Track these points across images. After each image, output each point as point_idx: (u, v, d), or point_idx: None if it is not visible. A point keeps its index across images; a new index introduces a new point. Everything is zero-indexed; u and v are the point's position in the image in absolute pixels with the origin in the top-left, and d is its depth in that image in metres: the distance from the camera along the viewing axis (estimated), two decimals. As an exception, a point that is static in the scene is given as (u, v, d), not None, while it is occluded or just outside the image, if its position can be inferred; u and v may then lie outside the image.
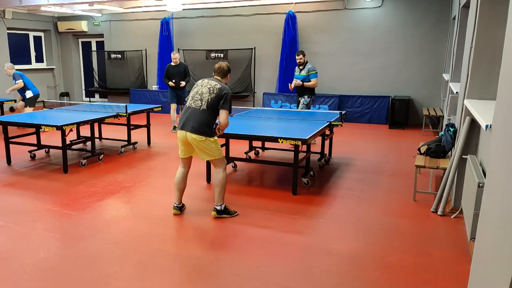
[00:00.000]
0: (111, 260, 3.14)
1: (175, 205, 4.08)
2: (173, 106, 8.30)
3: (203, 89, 3.86)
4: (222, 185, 3.94)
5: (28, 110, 8.13)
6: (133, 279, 2.87)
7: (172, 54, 8.26)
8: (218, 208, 3.96)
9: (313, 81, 6.72)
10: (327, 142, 5.97)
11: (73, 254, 3.23)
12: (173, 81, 8.12)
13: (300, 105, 6.90)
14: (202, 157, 3.91)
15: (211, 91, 3.82)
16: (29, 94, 8.18)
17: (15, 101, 8.73)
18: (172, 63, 8.27)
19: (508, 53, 2.02)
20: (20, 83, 7.96)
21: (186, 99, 4.12)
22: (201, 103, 3.81)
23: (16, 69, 8.18)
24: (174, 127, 8.34)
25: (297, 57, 6.87)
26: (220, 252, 3.28)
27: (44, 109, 6.88)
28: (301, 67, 6.81)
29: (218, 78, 4.00)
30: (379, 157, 6.42)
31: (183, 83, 8.15)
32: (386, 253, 3.25)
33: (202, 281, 2.86)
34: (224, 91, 3.84)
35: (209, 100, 3.80)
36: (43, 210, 4.14)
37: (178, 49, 11.16)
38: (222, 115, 3.85)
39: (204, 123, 3.78)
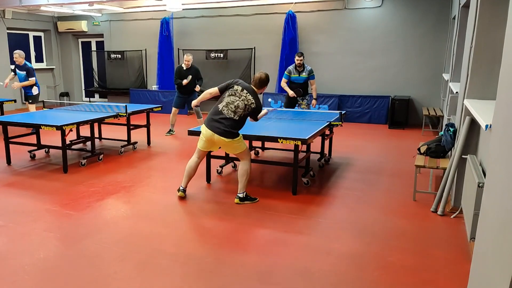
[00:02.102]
0: (111, 260, 3.14)
1: (181, 188, 4.43)
2: (175, 111, 8.02)
3: (239, 102, 4.10)
4: (247, 175, 4.26)
5: (32, 108, 8.11)
6: (133, 279, 2.87)
7: (185, 56, 7.75)
8: (241, 195, 4.26)
9: (315, 83, 6.77)
10: (327, 142, 5.97)
11: (73, 254, 3.23)
12: (186, 80, 7.65)
13: (304, 106, 6.86)
14: (229, 152, 4.32)
15: (246, 108, 4.12)
16: (35, 90, 8.09)
17: (15, 101, 8.71)
18: (184, 66, 7.80)
19: (508, 53, 2.02)
20: (33, 80, 7.88)
21: (222, 99, 4.19)
22: (234, 115, 4.09)
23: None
24: (169, 131, 8.16)
25: (298, 58, 6.61)
26: (220, 252, 3.28)
27: (44, 109, 6.88)
28: (300, 69, 6.69)
29: (255, 88, 4.21)
30: (379, 157, 6.42)
31: (198, 87, 7.71)
32: (386, 253, 3.25)
33: (202, 281, 2.86)
34: (256, 109, 4.18)
35: (242, 114, 4.12)
36: (43, 210, 4.14)
37: (178, 49, 11.16)
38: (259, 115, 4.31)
39: (233, 129, 4.11)
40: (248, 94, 4.13)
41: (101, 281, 2.84)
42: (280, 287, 2.79)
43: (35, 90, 8.10)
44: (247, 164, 4.25)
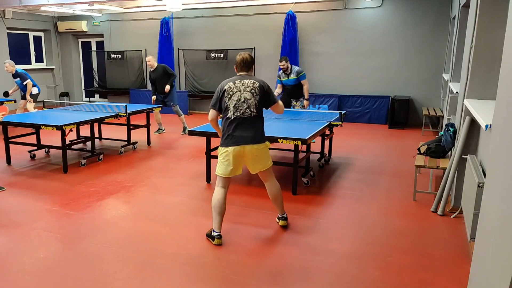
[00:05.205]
0: (111, 260, 3.14)
1: (216, 233, 3.40)
2: (156, 109, 7.95)
3: (245, 94, 3.39)
4: (281, 193, 3.74)
5: (31, 107, 8.18)
6: (133, 279, 2.87)
7: (146, 58, 7.89)
8: (285, 215, 3.78)
9: (306, 84, 6.61)
10: (327, 142, 5.97)
11: (73, 254, 3.23)
12: (153, 97, 7.95)
13: (298, 107, 6.82)
14: (256, 168, 3.55)
15: (254, 93, 3.41)
16: (35, 90, 8.30)
17: (15, 101, 8.72)
18: (151, 69, 7.87)
19: (508, 53, 2.02)
20: (29, 83, 8.05)
21: (227, 107, 3.43)
22: (250, 111, 3.40)
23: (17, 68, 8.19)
24: (158, 129, 8.29)
25: (280, 64, 6.49)
26: (220, 252, 3.28)
27: (44, 109, 6.88)
28: (287, 72, 6.52)
29: (246, 73, 3.53)
30: (379, 157, 6.42)
31: (167, 88, 7.80)
32: (386, 253, 3.25)
33: (202, 281, 2.86)
34: (265, 86, 3.49)
35: (257, 104, 3.42)
36: (43, 210, 4.14)
37: (178, 49, 11.15)
38: (278, 108, 3.60)
39: (260, 130, 3.49)
40: (243, 80, 3.44)
41: (101, 281, 2.84)
42: (280, 287, 2.79)
43: (34, 90, 8.28)
44: (276, 181, 3.68)
